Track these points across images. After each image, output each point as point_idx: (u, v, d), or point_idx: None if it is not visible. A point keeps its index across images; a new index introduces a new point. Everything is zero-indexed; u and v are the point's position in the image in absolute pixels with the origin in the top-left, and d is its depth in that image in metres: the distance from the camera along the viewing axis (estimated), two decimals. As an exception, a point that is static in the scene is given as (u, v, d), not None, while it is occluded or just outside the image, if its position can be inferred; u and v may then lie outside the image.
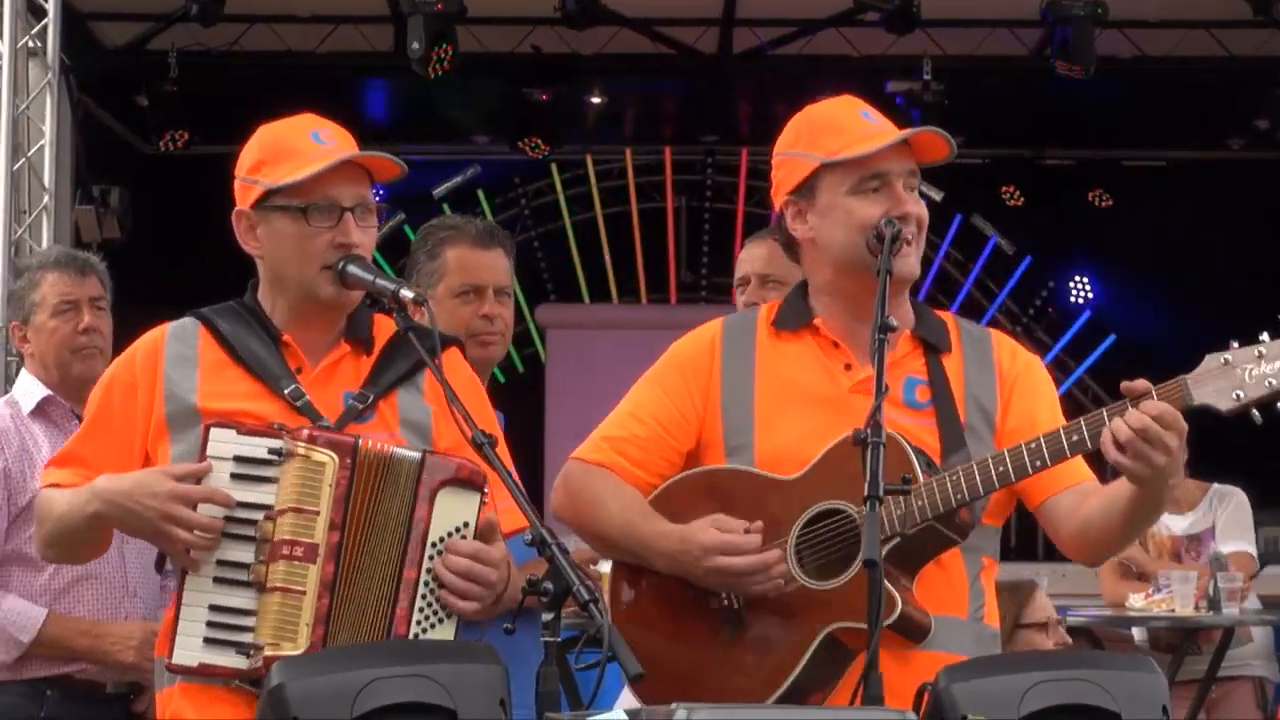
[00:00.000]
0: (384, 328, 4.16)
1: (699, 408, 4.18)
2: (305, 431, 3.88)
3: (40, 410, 5.57)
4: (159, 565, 4.14)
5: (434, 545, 3.89)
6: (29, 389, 5.62)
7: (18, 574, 5.46)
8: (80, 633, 5.44)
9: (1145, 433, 3.72)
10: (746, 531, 3.99)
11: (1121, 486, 3.88)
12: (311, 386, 4.03)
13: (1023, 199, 15.65)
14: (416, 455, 3.91)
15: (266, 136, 4.14)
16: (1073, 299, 16.32)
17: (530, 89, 14.09)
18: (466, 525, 3.91)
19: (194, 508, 3.85)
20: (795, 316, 4.20)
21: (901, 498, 3.83)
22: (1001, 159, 15.50)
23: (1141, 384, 3.79)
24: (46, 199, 10.15)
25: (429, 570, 3.88)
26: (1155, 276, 15.22)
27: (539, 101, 14.10)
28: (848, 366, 4.11)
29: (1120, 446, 3.74)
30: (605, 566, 5.98)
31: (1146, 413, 3.72)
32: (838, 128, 4.13)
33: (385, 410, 4.07)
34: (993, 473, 3.88)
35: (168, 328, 4.13)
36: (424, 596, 3.88)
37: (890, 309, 3.96)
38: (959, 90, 13.12)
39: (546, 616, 3.55)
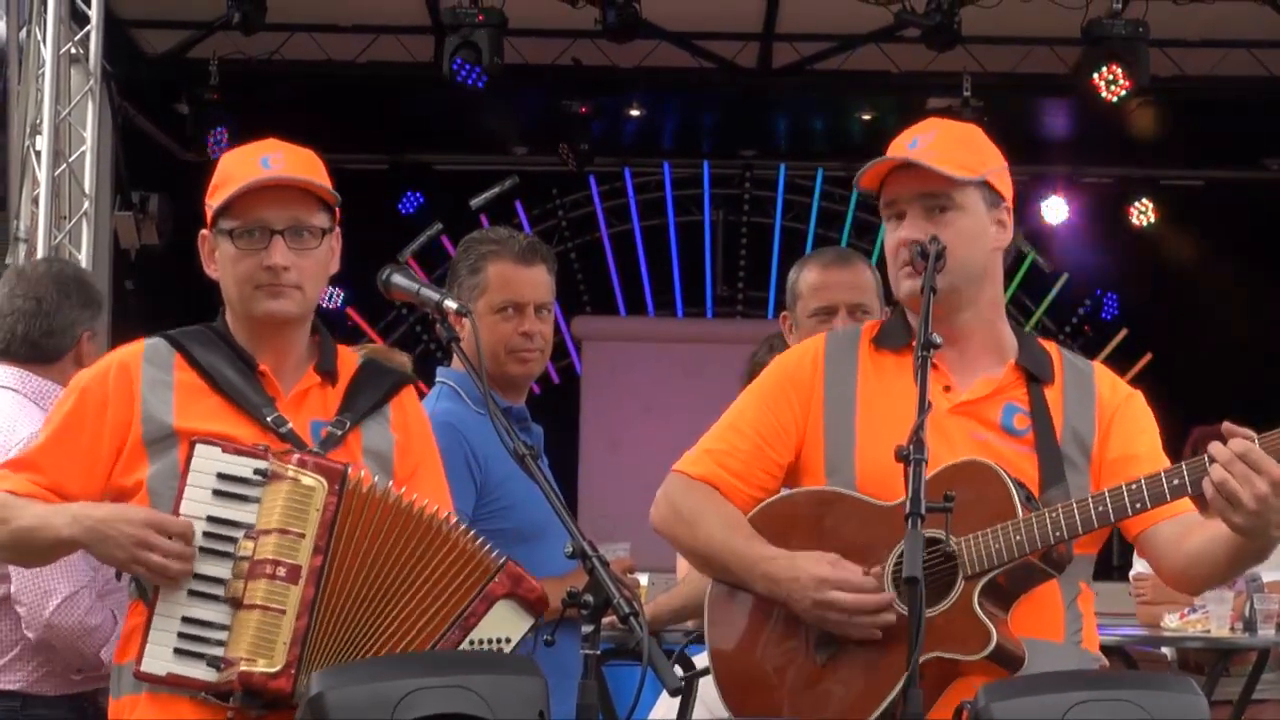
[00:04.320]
0: (346, 361, 4.23)
1: (800, 421, 4.16)
2: (296, 456, 3.93)
3: None
4: (119, 573, 4.13)
5: (470, 641, 3.93)
6: None
7: None
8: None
9: (1233, 466, 3.68)
10: (866, 574, 3.97)
11: (1225, 526, 3.83)
12: (284, 414, 4.08)
13: (1061, 216, 15.64)
14: (497, 557, 3.95)
15: (223, 160, 4.20)
16: (1109, 317, 16.29)
17: (570, 101, 14.12)
18: (508, 640, 3.94)
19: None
20: (895, 336, 4.19)
21: (999, 532, 3.85)
22: (1040, 176, 15.49)
23: (1243, 430, 3.74)
24: (86, 205, 10.18)
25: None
26: (1192, 295, 15.18)
27: (578, 114, 14.11)
28: (947, 388, 4.10)
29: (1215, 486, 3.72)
30: (644, 578, 5.97)
31: (1233, 450, 3.69)
32: (875, 155, 4.16)
33: (350, 438, 4.12)
34: (1092, 512, 3.87)
35: (141, 349, 4.14)
36: None
37: (973, 330, 4.07)
38: (998, 107, 13.11)
39: (586, 629, 3.55)
